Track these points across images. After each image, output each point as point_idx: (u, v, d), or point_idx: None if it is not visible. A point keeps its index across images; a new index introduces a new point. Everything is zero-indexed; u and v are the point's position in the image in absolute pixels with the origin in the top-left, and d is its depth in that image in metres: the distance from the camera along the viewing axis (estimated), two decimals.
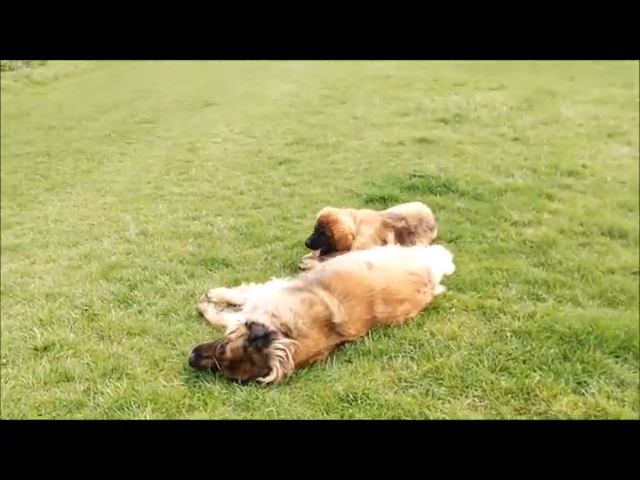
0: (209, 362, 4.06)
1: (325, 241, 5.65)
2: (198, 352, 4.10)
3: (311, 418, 3.60)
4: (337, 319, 4.25)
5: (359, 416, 3.60)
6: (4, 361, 4.34)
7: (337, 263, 4.83)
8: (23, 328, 4.73)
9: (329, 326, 4.23)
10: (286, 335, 4.07)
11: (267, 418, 3.60)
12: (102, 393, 3.92)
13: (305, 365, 4.11)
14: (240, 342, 4.03)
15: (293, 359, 4.00)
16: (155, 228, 6.77)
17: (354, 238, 5.65)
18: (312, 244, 5.69)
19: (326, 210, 5.80)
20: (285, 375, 3.96)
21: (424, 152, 9.22)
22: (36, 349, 4.46)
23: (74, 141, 11.40)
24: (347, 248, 5.56)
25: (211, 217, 7.07)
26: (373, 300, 4.45)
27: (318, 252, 5.71)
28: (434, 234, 5.99)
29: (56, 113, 14.32)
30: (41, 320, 4.83)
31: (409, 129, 10.71)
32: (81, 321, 4.82)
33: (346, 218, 5.73)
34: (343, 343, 4.31)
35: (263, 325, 4.08)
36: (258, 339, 4.01)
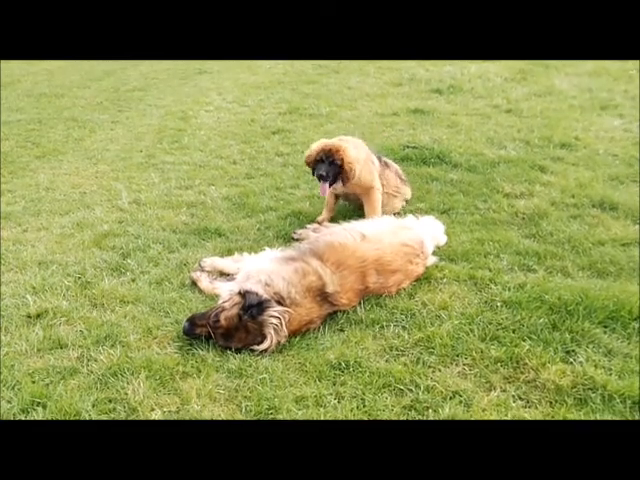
0: (203, 331, 4.09)
1: (335, 171, 5.61)
2: (192, 321, 4.13)
3: (304, 385, 3.66)
4: (330, 289, 4.28)
5: (351, 383, 3.65)
6: None
7: (331, 234, 4.87)
8: (16, 295, 4.73)
9: (322, 295, 4.27)
10: (279, 304, 4.10)
11: (260, 386, 3.65)
12: (96, 360, 3.95)
13: (298, 333, 4.16)
14: (234, 310, 4.07)
15: (286, 327, 4.04)
16: (148, 197, 6.76)
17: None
18: (327, 175, 5.60)
19: (332, 141, 5.80)
20: (279, 343, 4.01)
21: (418, 123, 9.23)
22: (29, 316, 4.46)
23: (65, 109, 11.28)
24: (353, 177, 5.64)
25: (204, 186, 7.06)
26: (366, 271, 4.48)
27: (327, 187, 5.68)
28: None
29: (47, 80, 14.14)
30: (34, 288, 4.82)
31: (403, 100, 10.71)
32: (74, 289, 4.81)
33: (352, 147, 5.75)
34: (335, 312, 4.35)
35: (257, 293, 4.12)
36: (252, 307, 4.04)
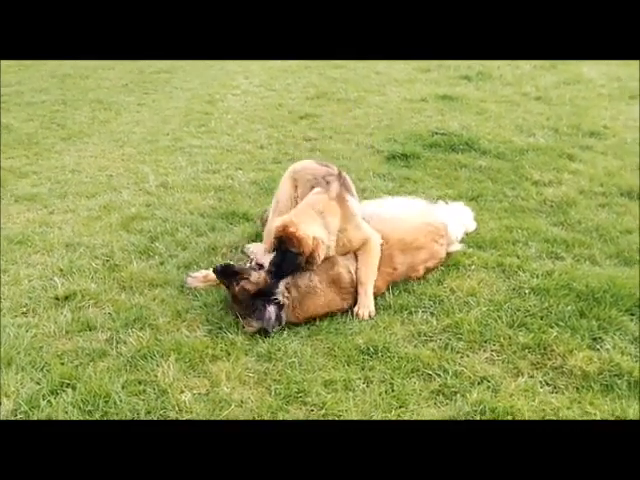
0: (225, 282, 4.20)
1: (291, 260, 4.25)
2: (225, 270, 4.21)
3: (332, 370, 3.68)
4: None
5: (379, 368, 3.68)
6: (25, 310, 4.37)
7: None
8: (43, 277, 4.75)
9: (346, 287, 4.33)
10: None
11: (289, 369, 3.68)
12: (125, 342, 3.98)
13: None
14: (252, 287, 4.12)
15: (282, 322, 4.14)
16: (175, 181, 6.76)
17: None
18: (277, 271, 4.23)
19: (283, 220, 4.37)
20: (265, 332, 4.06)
21: (446, 109, 9.19)
22: (57, 298, 4.48)
23: (90, 90, 11.27)
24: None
25: (231, 171, 7.05)
26: (391, 252, 4.48)
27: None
28: None
29: (71, 61, 14.12)
30: (61, 270, 4.85)
31: (431, 85, 10.67)
32: (102, 271, 4.84)
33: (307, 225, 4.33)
34: None
35: (278, 287, 4.16)
36: (264, 295, 4.11)
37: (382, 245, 4.46)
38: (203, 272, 4.66)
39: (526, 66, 11.59)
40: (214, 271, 4.26)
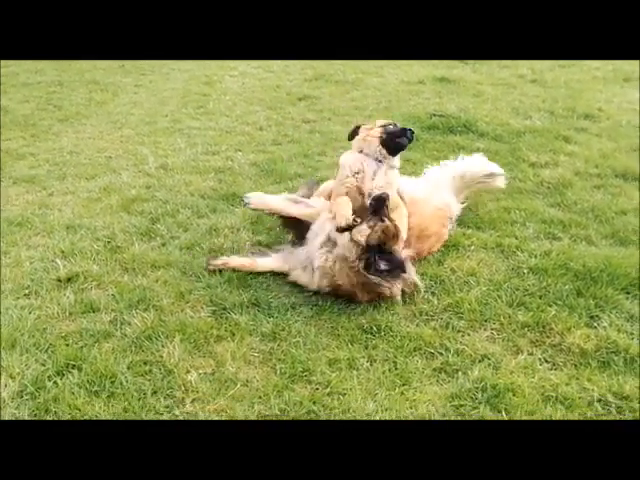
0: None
1: None
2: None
3: (336, 349, 3.74)
4: None
5: (382, 347, 3.74)
6: (27, 292, 4.37)
7: None
8: (45, 259, 4.76)
9: None
10: None
11: (294, 349, 3.72)
12: (129, 324, 3.99)
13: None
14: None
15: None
16: (174, 162, 6.78)
17: None
18: None
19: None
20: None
21: (444, 92, 9.26)
22: (59, 280, 4.49)
23: (86, 71, 11.26)
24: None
25: (231, 152, 7.08)
26: (410, 239, 4.55)
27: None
28: None
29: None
30: (63, 252, 4.84)
31: (428, 68, 10.73)
32: (104, 253, 4.84)
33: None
34: None
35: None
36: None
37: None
38: (224, 258, 4.61)
39: None
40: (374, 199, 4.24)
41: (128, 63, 11.75)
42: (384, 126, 4.71)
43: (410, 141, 4.74)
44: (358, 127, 4.83)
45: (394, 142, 4.65)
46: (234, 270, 4.52)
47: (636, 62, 10.53)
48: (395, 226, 4.18)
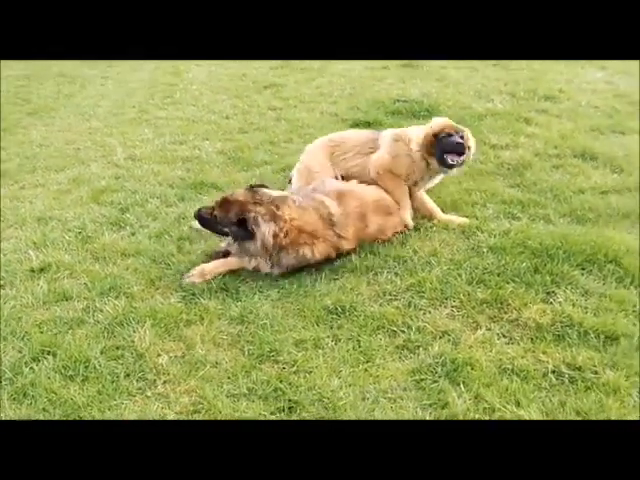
0: None
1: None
2: None
3: (302, 330, 3.85)
4: (336, 218, 4.56)
5: (347, 326, 3.86)
6: (2, 282, 4.47)
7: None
8: (17, 251, 4.85)
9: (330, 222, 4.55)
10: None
11: (261, 331, 3.83)
12: (101, 310, 4.09)
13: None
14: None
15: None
16: (142, 152, 6.88)
17: None
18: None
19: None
20: None
21: (407, 77, 9.38)
22: (32, 270, 4.58)
23: (53, 64, 11.27)
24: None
25: (198, 141, 7.18)
26: (364, 211, 4.72)
27: None
28: None
29: None
30: (35, 243, 4.94)
31: None
32: (75, 243, 4.95)
33: None
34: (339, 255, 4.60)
35: None
36: None
37: (357, 203, 4.72)
38: (197, 269, 4.54)
39: None
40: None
41: None
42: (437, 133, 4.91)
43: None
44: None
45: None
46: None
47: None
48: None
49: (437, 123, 5.04)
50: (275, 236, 4.37)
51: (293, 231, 4.42)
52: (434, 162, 4.95)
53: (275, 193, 4.62)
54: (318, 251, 4.50)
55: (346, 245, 4.61)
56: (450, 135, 4.88)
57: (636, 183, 5.67)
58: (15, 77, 10.45)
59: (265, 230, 4.35)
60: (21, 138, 7.59)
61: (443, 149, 4.86)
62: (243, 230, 4.38)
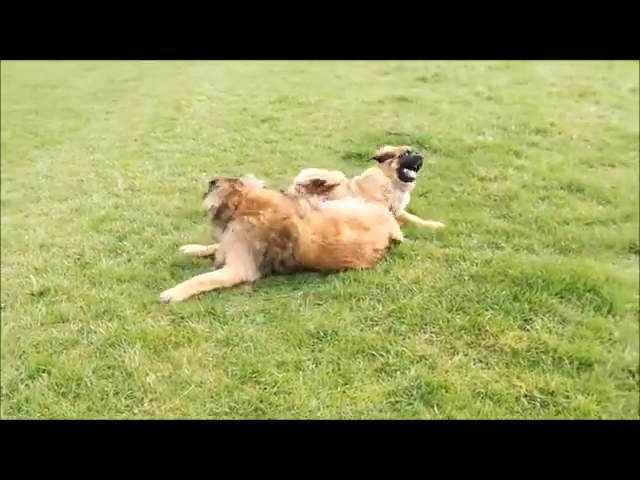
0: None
1: None
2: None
3: (285, 352, 3.97)
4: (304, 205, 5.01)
5: (328, 350, 3.96)
6: (3, 305, 4.63)
7: None
8: (19, 276, 5.02)
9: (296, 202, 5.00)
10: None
11: (245, 353, 3.96)
12: (95, 332, 4.23)
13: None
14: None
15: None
16: (142, 183, 7.06)
17: None
18: None
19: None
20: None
21: (402, 110, 9.54)
22: (32, 294, 4.74)
23: (60, 99, 11.52)
24: None
25: (196, 173, 7.36)
26: (338, 220, 4.96)
27: None
28: None
29: (41, 69, 14.32)
30: (36, 268, 5.11)
31: (389, 88, 11.02)
32: (74, 269, 5.12)
33: None
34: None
35: None
36: None
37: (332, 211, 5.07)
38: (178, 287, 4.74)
39: (481, 67, 12.04)
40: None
41: (100, 90, 12.02)
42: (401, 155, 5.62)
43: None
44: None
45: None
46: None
47: (592, 77, 10.93)
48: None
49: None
50: (224, 206, 4.82)
51: (243, 203, 4.81)
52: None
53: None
54: (265, 218, 4.76)
55: (306, 227, 4.87)
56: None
57: (621, 214, 5.76)
58: (23, 111, 10.67)
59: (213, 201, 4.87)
60: (27, 169, 7.77)
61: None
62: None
